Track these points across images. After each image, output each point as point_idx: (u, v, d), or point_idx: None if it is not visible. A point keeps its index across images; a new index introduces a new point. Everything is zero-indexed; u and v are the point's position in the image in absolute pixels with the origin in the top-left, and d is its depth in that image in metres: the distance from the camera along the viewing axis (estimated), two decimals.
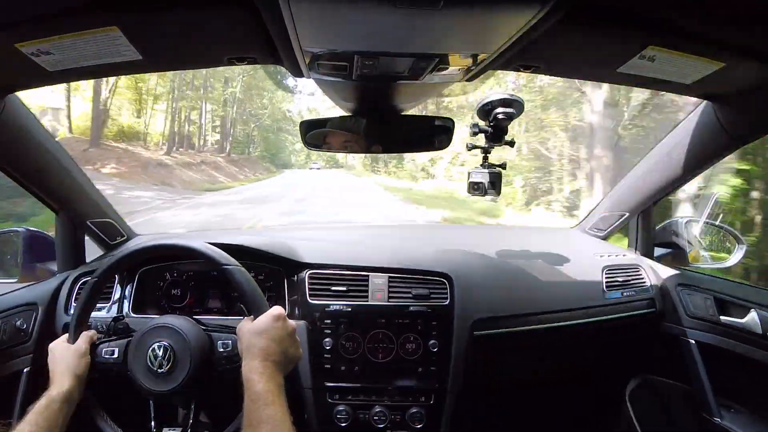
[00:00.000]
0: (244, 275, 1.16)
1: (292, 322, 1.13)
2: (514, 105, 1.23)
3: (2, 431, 1.39)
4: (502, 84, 12.82)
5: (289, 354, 1.09)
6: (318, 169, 57.20)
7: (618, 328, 1.75)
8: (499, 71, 1.20)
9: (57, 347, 1.19)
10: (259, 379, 0.98)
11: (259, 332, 1.06)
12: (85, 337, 1.20)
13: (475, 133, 1.31)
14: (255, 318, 1.11)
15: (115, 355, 1.19)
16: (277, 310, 1.10)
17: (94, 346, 1.21)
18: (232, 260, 1.18)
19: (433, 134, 1.41)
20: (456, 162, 18.01)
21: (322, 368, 1.49)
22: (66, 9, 0.82)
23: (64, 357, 1.16)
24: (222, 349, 1.17)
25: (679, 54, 0.99)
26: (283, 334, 1.08)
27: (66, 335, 1.22)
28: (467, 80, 1.20)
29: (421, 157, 21.95)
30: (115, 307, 1.52)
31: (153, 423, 1.19)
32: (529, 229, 3.61)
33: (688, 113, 1.50)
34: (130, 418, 1.19)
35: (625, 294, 1.74)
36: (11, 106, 1.20)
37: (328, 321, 1.50)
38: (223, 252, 1.19)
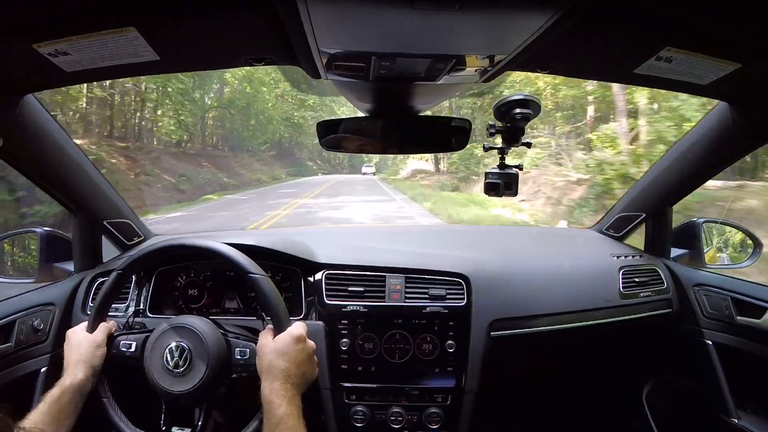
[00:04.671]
0: (270, 285, 1.16)
1: (311, 343, 1.14)
2: (531, 105, 1.22)
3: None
4: None
5: (307, 375, 1.10)
6: (373, 174, 42.72)
7: (635, 329, 1.74)
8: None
9: (75, 335, 1.21)
10: (280, 402, 1.00)
11: (280, 354, 1.07)
12: (104, 328, 1.22)
13: (492, 134, 1.30)
14: (276, 332, 1.12)
15: (132, 349, 1.21)
16: (297, 330, 1.11)
17: (111, 338, 1.22)
18: (259, 269, 1.18)
19: (450, 135, 1.39)
20: None
21: (339, 369, 1.49)
22: (83, 9, 0.82)
23: (81, 346, 1.17)
24: (239, 357, 1.17)
25: (695, 55, 0.98)
26: (303, 356, 1.09)
27: (85, 323, 1.23)
28: (484, 81, 1.20)
29: None
30: (132, 308, 1.53)
31: (163, 421, 1.20)
32: (546, 229, 3.59)
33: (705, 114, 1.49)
34: (140, 413, 1.19)
35: (641, 295, 1.73)
36: (29, 107, 1.20)
37: (345, 321, 1.50)
38: (250, 259, 1.20)
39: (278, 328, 1.12)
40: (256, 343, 1.15)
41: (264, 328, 1.17)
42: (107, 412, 1.17)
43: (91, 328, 1.21)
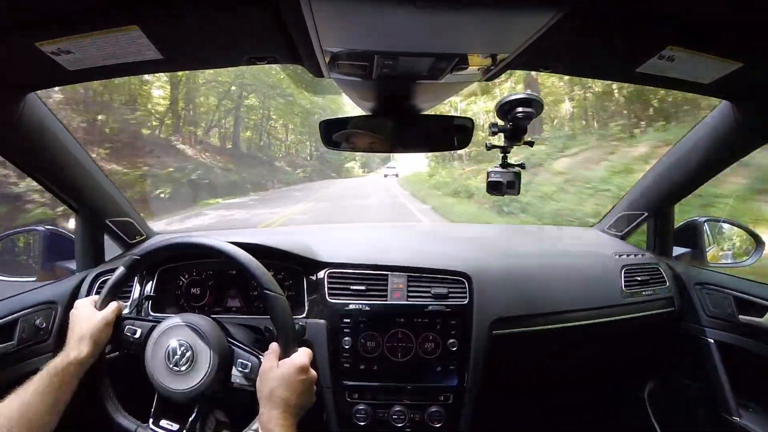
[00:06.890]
0: (284, 306, 1.15)
1: (314, 374, 1.13)
2: (534, 104, 1.22)
3: None
4: None
5: (305, 405, 1.10)
6: (395, 176, 36.92)
7: (637, 328, 1.75)
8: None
9: (84, 308, 1.20)
10: None
11: (283, 382, 1.06)
12: (114, 306, 1.21)
13: (494, 133, 1.30)
14: (282, 354, 1.11)
15: (137, 335, 1.20)
16: (302, 359, 1.10)
17: (119, 320, 1.21)
18: (278, 288, 1.16)
19: (453, 133, 1.40)
20: None
21: (341, 367, 1.49)
22: (86, 8, 0.82)
23: (89, 321, 1.16)
24: (240, 368, 1.16)
25: (697, 54, 0.98)
26: (304, 387, 1.09)
27: (94, 297, 1.23)
28: (486, 80, 1.20)
29: None
30: (134, 305, 1.52)
31: (153, 412, 1.19)
32: (548, 228, 3.58)
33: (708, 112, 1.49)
34: (130, 399, 1.19)
35: (644, 294, 1.74)
36: (31, 105, 1.20)
37: (347, 320, 1.50)
38: (270, 275, 1.18)
39: (284, 351, 1.11)
40: (259, 358, 1.15)
41: (265, 338, 1.16)
42: (102, 392, 1.17)
43: (101, 305, 1.20)
